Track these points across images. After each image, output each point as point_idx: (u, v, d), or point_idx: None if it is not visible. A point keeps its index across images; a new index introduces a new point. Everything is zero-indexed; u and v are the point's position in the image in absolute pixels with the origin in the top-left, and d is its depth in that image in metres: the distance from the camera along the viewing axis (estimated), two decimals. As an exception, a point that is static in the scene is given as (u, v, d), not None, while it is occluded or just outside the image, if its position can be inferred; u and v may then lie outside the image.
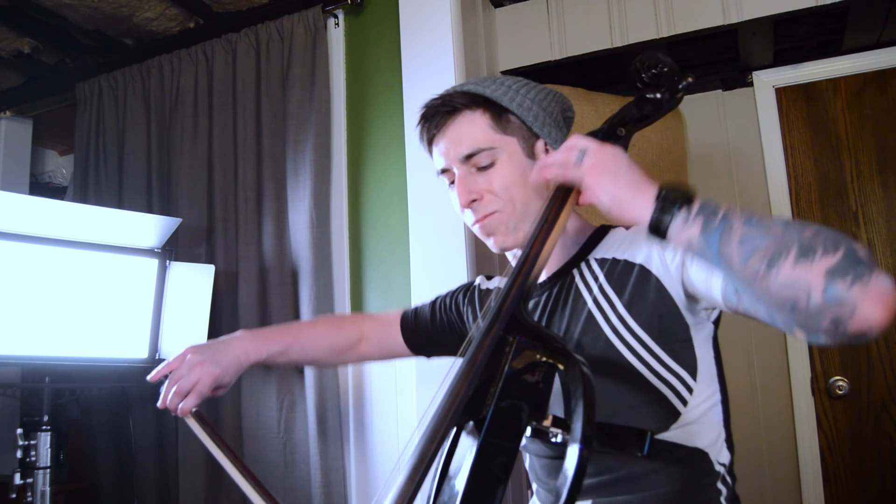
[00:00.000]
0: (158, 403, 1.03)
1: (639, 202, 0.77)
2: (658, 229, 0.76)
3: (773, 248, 0.68)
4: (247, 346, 1.09)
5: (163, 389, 1.05)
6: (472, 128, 1.00)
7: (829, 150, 2.27)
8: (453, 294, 1.26)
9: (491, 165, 1.00)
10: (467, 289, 1.24)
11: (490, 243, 1.03)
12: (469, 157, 1.00)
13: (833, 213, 2.25)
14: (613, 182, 0.79)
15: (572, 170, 0.83)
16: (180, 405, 1.02)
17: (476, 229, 1.03)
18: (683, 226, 0.73)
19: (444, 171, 1.04)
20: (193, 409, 1.02)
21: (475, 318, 1.16)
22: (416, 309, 1.28)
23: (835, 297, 0.64)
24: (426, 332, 1.25)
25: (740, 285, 0.72)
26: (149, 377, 1.06)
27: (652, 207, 0.76)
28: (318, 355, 1.21)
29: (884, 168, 2.21)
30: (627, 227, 1.01)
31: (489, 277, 1.23)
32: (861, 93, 2.25)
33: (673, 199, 0.75)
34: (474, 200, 1.00)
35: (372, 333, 1.25)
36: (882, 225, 2.20)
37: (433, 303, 1.27)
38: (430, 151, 1.07)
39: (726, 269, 0.71)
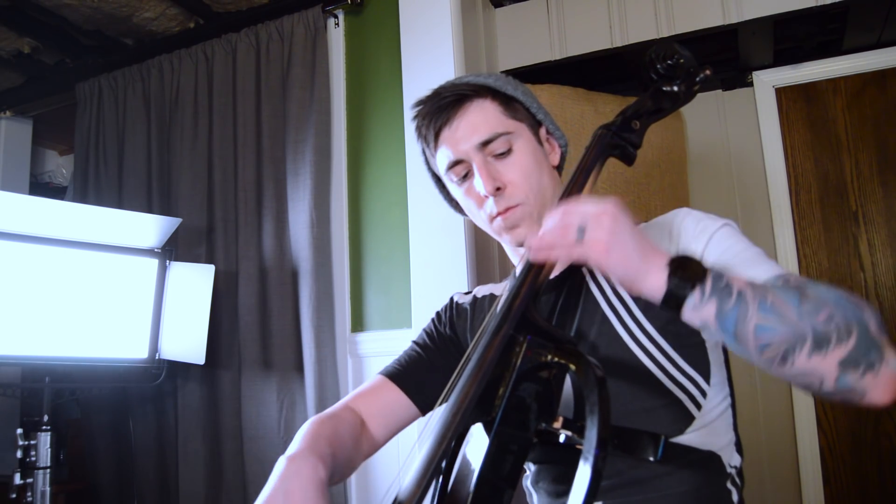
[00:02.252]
0: None
1: (651, 276, 0.73)
2: (670, 307, 0.74)
3: (789, 339, 0.68)
4: (310, 462, 0.80)
5: None
6: (485, 114, 0.98)
7: (829, 150, 2.27)
8: (439, 319, 1.15)
9: (508, 152, 0.98)
10: (449, 308, 1.15)
11: (508, 238, 1.00)
12: (486, 143, 0.97)
13: (833, 213, 2.25)
14: (620, 259, 0.74)
15: (576, 248, 0.75)
16: None
17: (496, 223, 0.99)
18: (697, 306, 0.72)
19: (455, 164, 1.00)
20: None
21: (473, 332, 1.09)
22: (395, 364, 1.09)
23: (846, 386, 0.67)
24: (426, 372, 1.07)
25: (754, 363, 0.73)
26: None
27: (665, 286, 0.73)
28: (349, 452, 0.94)
29: (884, 168, 2.21)
30: (637, 223, 0.99)
31: (467, 293, 1.17)
32: (861, 93, 2.25)
33: (684, 278, 0.72)
34: (499, 189, 0.96)
35: (367, 410, 1.02)
36: (882, 225, 2.20)
37: (416, 343, 1.13)
38: (435, 146, 1.01)
39: (741, 350, 0.72)
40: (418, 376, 1.06)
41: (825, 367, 0.67)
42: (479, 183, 0.97)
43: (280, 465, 0.80)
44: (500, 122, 0.98)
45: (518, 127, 1.00)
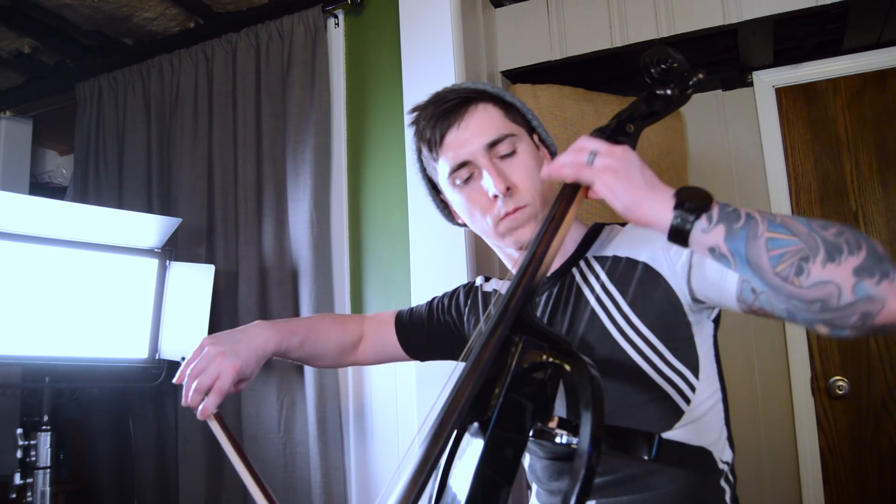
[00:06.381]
0: (182, 402, 0.96)
1: (656, 207, 0.74)
2: (678, 236, 0.73)
3: (801, 250, 0.68)
4: (267, 334, 1.04)
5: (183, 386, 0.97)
6: (490, 117, 1.01)
7: (829, 150, 2.27)
8: (452, 294, 1.23)
9: (513, 153, 1.00)
10: (469, 289, 1.22)
11: (512, 240, 1.00)
12: (493, 144, 0.99)
13: (833, 213, 2.25)
14: (627, 185, 0.76)
15: (585, 170, 0.79)
16: (201, 406, 0.94)
17: (503, 225, 0.99)
18: (705, 232, 0.72)
19: (459, 166, 1.00)
20: (215, 411, 0.94)
21: (477, 320, 1.15)
22: (411, 309, 1.26)
23: (865, 294, 0.66)
24: (422, 332, 1.22)
25: (767, 288, 0.71)
26: (174, 379, 0.98)
27: (671, 214, 0.73)
28: (327, 351, 1.16)
29: (884, 168, 2.21)
30: (623, 224, 1.01)
31: (487, 279, 1.22)
32: (861, 93, 2.25)
33: (691, 205, 0.72)
34: (509, 189, 0.97)
35: (370, 333, 1.23)
36: (882, 225, 2.20)
37: (430, 303, 1.25)
38: (439, 150, 1.02)
39: (753, 273, 0.71)
40: (414, 330, 1.23)
41: (841, 275, 0.66)
42: (488, 183, 0.97)
43: (253, 323, 1.06)
44: (505, 124, 1.01)
45: (519, 130, 1.03)
